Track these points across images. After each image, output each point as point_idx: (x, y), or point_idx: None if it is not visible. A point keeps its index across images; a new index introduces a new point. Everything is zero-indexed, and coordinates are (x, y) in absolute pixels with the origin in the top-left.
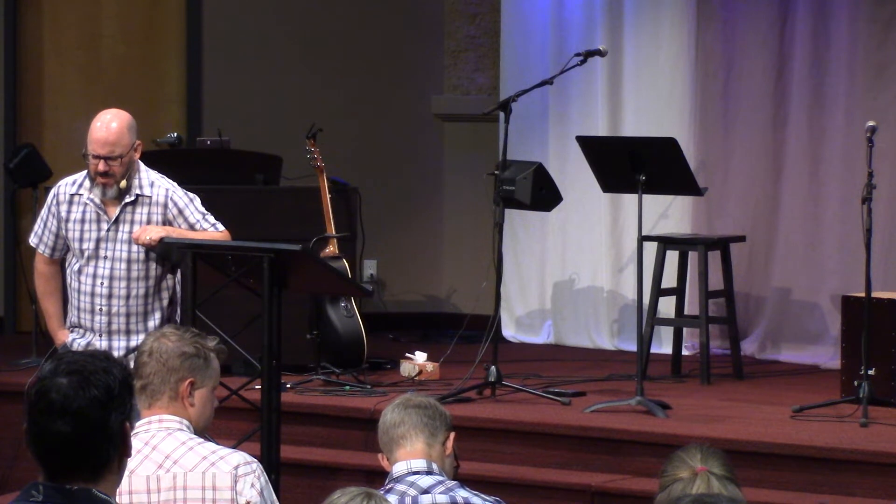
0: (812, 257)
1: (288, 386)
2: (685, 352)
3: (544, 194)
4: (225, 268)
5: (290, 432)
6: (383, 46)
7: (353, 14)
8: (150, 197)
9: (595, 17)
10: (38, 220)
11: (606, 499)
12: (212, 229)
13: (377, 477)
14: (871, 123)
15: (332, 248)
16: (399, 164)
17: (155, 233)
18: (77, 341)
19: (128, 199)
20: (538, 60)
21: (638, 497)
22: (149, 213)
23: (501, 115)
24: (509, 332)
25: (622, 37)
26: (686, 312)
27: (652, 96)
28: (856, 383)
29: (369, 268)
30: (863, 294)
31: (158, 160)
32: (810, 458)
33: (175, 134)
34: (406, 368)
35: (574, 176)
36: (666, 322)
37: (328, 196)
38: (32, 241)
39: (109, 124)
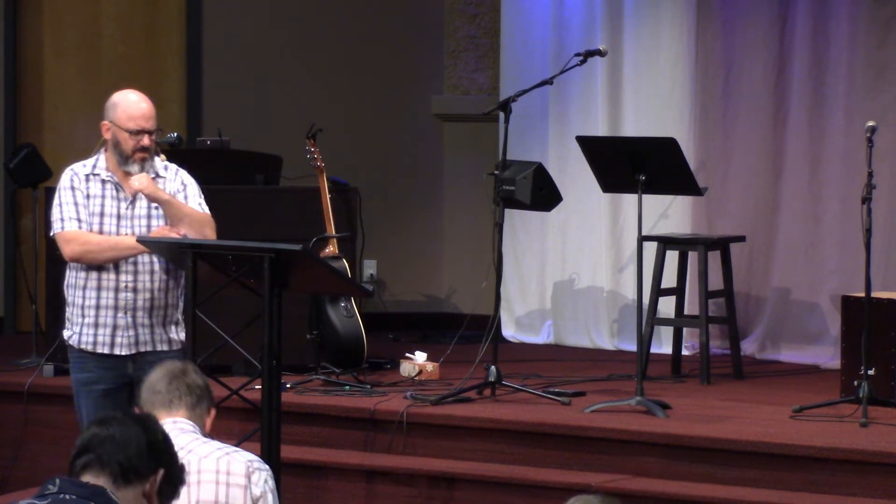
0: (812, 257)
1: (288, 386)
2: (685, 352)
3: (544, 194)
4: (225, 268)
5: (290, 432)
6: (383, 46)
7: (353, 14)
8: (165, 177)
9: (595, 17)
10: (66, 206)
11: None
12: (199, 210)
13: (377, 477)
14: (871, 123)
15: (332, 248)
16: (399, 164)
17: (146, 180)
18: (100, 335)
19: (151, 176)
20: (538, 60)
21: (638, 497)
22: (164, 187)
23: (501, 115)
24: (509, 332)
25: (622, 37)
26: (686, 312)
27: (652, 96)
28: (856, 383)
29: (369, 268)
30: (863, 294)
31: None
32: (810, 458)
33: (175, 134)
34: (406, 368)
35: (574, 176)
36: (666, 322)
37: (328, 196)
38: (71, 225)
39: (144, 100)
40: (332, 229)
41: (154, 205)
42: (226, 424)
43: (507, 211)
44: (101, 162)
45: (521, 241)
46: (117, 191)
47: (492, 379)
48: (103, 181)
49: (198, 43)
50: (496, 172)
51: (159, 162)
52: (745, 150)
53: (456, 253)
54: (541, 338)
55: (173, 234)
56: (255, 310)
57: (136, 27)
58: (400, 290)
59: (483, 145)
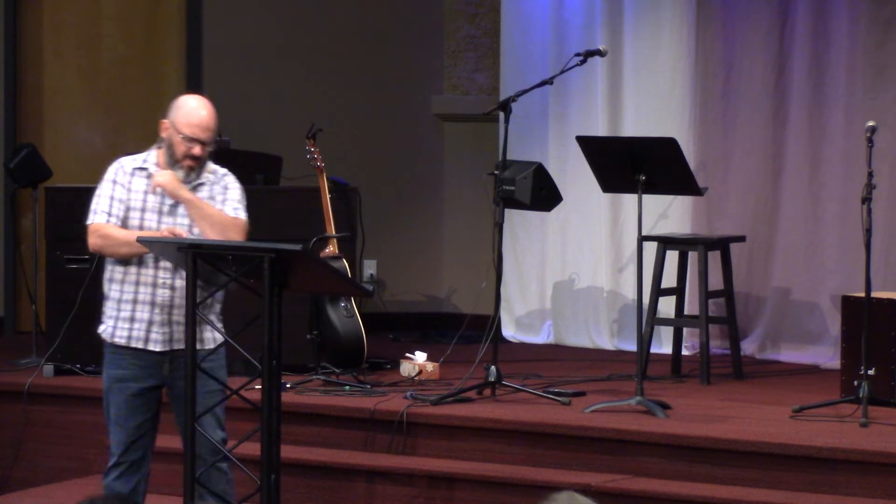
0: (812, 257)
1: (288, 386)
2: (685, 352)
3: (544, 194)
4: (225, 268)
5: (290, 432)
6: (383, 46)
7: (354, 14)
8: (212, 181)
9: (595, 17)
10: (102, 199)
11: (606, 499)
12: (232, 213)
13: (377, 477)
14: (870, 123)
15: (332, 248)
16: (399, 164)
17: (169, 177)
18: (135, 329)
19: (199, 181)
20: (538, 60)
21: (638, 497)
22: (210, 192)
23: (501, 115)
24: (509, 332)
25: (622, 37)
26: (686, 312)
27: (652, 96)
28: (856, 383)
29: (369, 268)
30: (863, 294)
31: None
32: (810, 458)
33: None
34: (406, 368)
35: (574, 176)
36: (666, 322)
37: (328, 196)
38: (100, 218)
39: (209, 110)
40: (332, 229)
41: None
42: (226, 425)
43: (507, 211)
44: (152, 156)
45: (521, 241)
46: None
47: (492, 379)
48: (150, 175)
49: (198, 43)
50: (496, 172)
51: (210, 165)
52: (745, 151)
53: (456, 253)
54: (541, 338)
55: (179, 234)
56: (255, 310)
57: (136, 27)
58: (400, 290)
59: (483, 145)
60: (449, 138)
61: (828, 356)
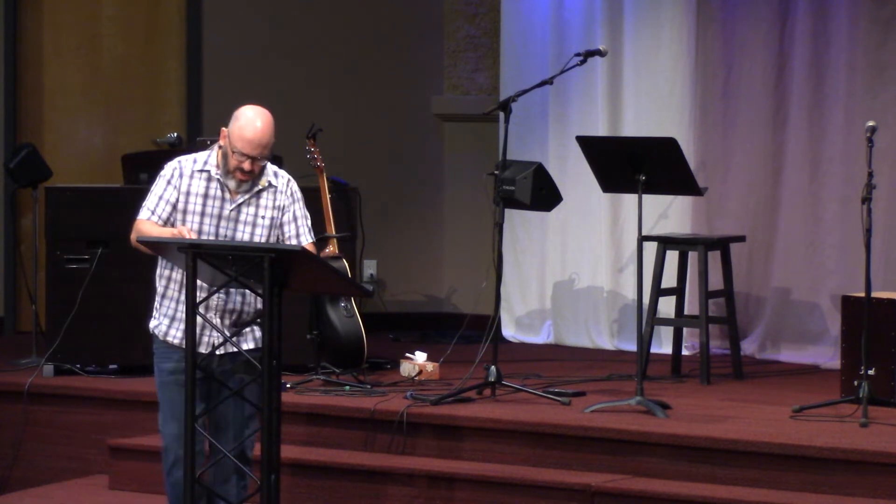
0: (812, 257)
1: (288, 386)
2: (685, 352)
3: (544, 194)
4: (225, 268)
5: (290, 432)
6: (383, 47)
7: (354, 14)
8: (276, 187)
9: (595, 17)
10: (151, 196)
11: (606, 499)
12: (310, 236)
13: (377, 477)
14: (871, 123)
15: (332, 248)
16: (399, 164)
17: None
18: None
19: (260, 187)
20: (538, 60)
21: (638, 497)
22: (274, 199)
23: (501, 115)
24: (509, 332)
25: (622, 37)
26: (686, 312)
27: (652, 96)
28: (856, 383)
29: (369, 268)
30: (863, 294)
31: (159, 160)
32: (810, 458)
33: (175, 134)
34: (406, 368)
35: (574, 176)
36: (666, 322)
37: (328, 196)
38: (144, 214)
39: (264, 126)
40: (332, 229)
41: (261, 214)
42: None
43: (507, 211)
44: (212, 158)
45: (521, 241)
46: (222, 191)
47: (492, 379)
48: (210, 178)
49: (198, 43)
50: (496, 172)
51: (269, 168)
52: (745, 150)
53: (456, 253)
54: (541, 338)
55: (184, 234)
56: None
57: (136, 27)
58: (400, 290)
59: (483, 145)
60: (449, 138)
61: (828, 356)
